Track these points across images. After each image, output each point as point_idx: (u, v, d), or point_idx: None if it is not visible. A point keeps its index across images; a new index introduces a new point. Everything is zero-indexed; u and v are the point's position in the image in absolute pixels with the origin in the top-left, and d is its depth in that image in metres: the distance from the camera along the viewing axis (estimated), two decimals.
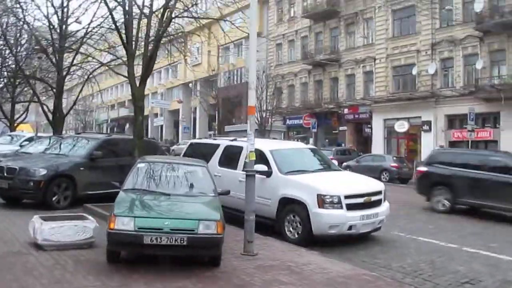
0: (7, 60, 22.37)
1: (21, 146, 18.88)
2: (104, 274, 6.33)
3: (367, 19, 40.59)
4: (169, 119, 65.69)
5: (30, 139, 19.10)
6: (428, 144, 35.22)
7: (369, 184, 10.07)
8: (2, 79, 24.14)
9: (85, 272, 6.35)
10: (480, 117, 30.18)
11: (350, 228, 9.12)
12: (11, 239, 8.18)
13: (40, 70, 20.97)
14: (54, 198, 11.17)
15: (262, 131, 40.70)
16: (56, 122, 18.49)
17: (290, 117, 46.48)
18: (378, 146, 38.52)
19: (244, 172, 10.22)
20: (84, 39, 17.04)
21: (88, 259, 7.03)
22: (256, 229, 8.02)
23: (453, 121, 34.65)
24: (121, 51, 15.41)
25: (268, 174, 10.00)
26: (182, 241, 6.28)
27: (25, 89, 25.67)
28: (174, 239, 6.26)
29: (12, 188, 10.99)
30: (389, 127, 38.66)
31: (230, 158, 11.13)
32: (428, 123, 35.29)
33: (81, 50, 17.95)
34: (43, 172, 11.00)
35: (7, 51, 21.26)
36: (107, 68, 17.78)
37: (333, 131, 43.75)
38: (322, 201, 8.96)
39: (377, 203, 9.73)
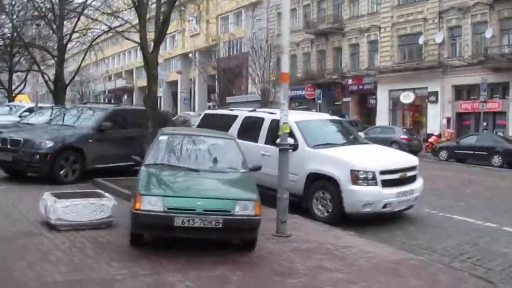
0: (3, 28, 21.28)
1: (20, 117, 18.04)
2: (129, 259, 5.65)
3: None
4: (167, 91, 64.63)
5: (30, 110, 18.23)
6: (434, 116, 34.64)
7: (404, 158, 9.39)
8: None
9: (107, 257, 5.67)
10: (488, 87, 29.42)
11: (385, 206, 8.47)
12: (19, 217, 7.49)
13: (39, 37, 19.89)
14: (61, 172, 10.46)
15: (265, 103, 39.82)
16: (58, 92, 17.60)
17: (292, 88, 45.47)
18: (383, 117, 37.80)
19: (267, 145, 9.67)
20: (86, 3, 16.02)
21: (109, 241, 6.34)
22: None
23: (461, 92, 33.93)
24: (127, 16, 14.52)
25: (294, 147, 9.27)
26: (217, 224, 5.58)
27: (23, 58, 24.60)
28: (208, 221, 5.57)
29: (16, 161, 10.26)
30: (394, 98, 37.91)
31: (250, 130, 10.38)
32: (435, 94, 34.57)
33: (82, 16, 16.92)
34: (50, 144, 10.25)
35: (3, 17, 20.14)
36: (109, 35, 16.86)
37: (336, 103, 42.95)
38: (355, 177, 8.28)
39: (412, 179, 9.08)
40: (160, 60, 48.21)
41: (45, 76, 18.58)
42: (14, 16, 19.22)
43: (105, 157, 11.15)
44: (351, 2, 41.23)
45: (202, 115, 12.10)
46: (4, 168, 11.01)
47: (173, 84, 62.97)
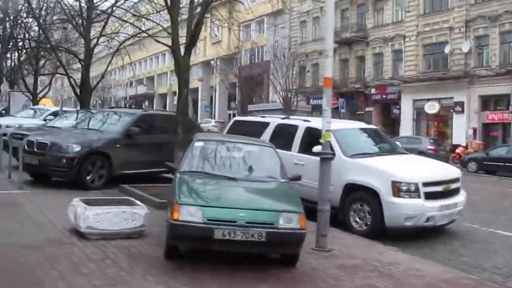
0: (30, 31, 21.24)
1: (45, 120, 17.92)
2: (165, 273, 5.29)
3: None
4: (188, 98, 64.43)
5: (54, 113, 18.09)
6: (460, 126, 33.89)
7: (447, 170, 8.92)
8: (25, 51, 22.95)
9: (142, 270, 5.32)
10: None
11: (427, 220, 8.01)
12: (47, 224, 7.19)
13: (66, 41, 19.81)
14: (88, 177, 10.17)
15: (287, 111, 39.48)
16: (83, 96, 17.44)
17: (314, 96, 45.01)
18: (406, 127, 37.12)
19: (301, 154, 9.29)
20: (114, 8, 15.83)
21: (142, 253, 5.99)
22: (314, 219, 6.88)
23: (488, 102, 33.21)
24: (155, 19, 14.28)
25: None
26: (260, 237, 5.20)
27: (48, 62, 24.60)
28: (250, 234, 5.18)
29: (43, 164, 10.03)
30: (418, 108, 37.24)
31: (283, 138, 10.00)
32: (461, 104, 33.87)
33: (110, 20, 16.77)
34: (77, 148, 10.00)
35: (30, 20, 20.09)
36: (135, 39, 16.68)
37: (357, 112, 42.36)
38: (397, 188, 7.84)
39: (456, 191, 8.60)
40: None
41: (71, 79, 18.33)
42: (41, 20, 19.11)
43: (132, 163, 10.87)
44: (376, 10, 40.78)
45: (232, 122, 11.75)
46: (30, 172, 10.77)
47: (194, 91, 62.89)
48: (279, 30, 53.81)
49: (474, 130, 32.75)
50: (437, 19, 35.84)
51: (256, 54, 55.63)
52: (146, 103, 68.36)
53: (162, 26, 11.39)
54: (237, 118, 11.93)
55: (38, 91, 24.72)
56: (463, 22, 34.04)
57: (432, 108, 36.06)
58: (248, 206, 5.40)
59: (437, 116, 36.50)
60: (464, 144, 30.22)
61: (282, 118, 10.62)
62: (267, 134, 10.41)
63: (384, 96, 39.78)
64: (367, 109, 40.74)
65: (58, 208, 7.96)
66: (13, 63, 27.77)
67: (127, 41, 17.29)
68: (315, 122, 10.14)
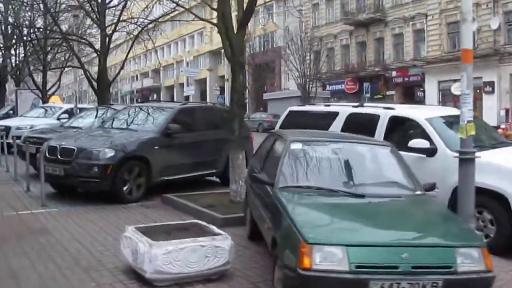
0: (36, 21, 19.20)
1: (58, 119, 16.13)
2: None
3: None
4: (195, 89, 62.71)
5: (69, 112, 16.29)
6: (490, 107, 32.03)
7: None
8: (31, 44, 20.81)
9: None
10: None
11: None
12: (92, 263, 5.36)
13: (77, 30, 17.79)
14: (125, 188, 8.38)
15: (306, 98, 37.63)
16: (102, 90, 15.59)
17: (330, 82, 43.14)
18: None
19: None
20: None
21: None
22: None
23: None
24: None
25: (431, 152, 7.09)
26: None
27: (57, 55, 22.56)
28: (421, 286, 3.37)
29: (69, 175, 8.25)
30: (444, 89, 35.35)
31: (358, 131, 8.13)
32: (491, 84, 32.03)
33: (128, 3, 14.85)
34: (111, 153, 8.20)
35: (35, 7, 17.94)
36: (156, 24, 14.82)
37: (375, 96, 40.44)
38: None
39: None
40: (188, 58, 45.68)
41: (87, 72, 16.36)
42: (50, 6, 17.06)
43: (173, 167, 9.11)
44: None
45: (286, 113, 9.91)
46: (53, 183, 8.99)
47: (202, 82, 61.05)
48: (289, 15, 51.73)
49: (507, 111, 30.95)
50: None
51: (266, 40, 53.53)
52: (155, 96, 66.49)
53: (206, 2, 9.47)
54: (293, 108, 10.07)
55: (47, 88, 22.77)
56: None
57: (459, 89, 33.77)
58: (408, 241, 3.59)
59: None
60: (503, 126, 28.33)
61: (355, 106, 8.76)
62: (336, 127, 8.60)
63: (406, 79, 37.90)
64: (388, 92, 38.78)
65: (100, 235, 6.26)
66: (17, 59, 25.74)
67: (151, 24, 15.29)
68: (401, 110, 8.33)
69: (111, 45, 17.03)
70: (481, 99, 33.17)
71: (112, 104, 14.89)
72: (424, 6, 36.25)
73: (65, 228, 6.67)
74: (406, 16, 37.44)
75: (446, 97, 35.63)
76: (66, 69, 25.78)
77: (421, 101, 36.65)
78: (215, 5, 8.61)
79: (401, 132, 7.88)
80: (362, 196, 4.31)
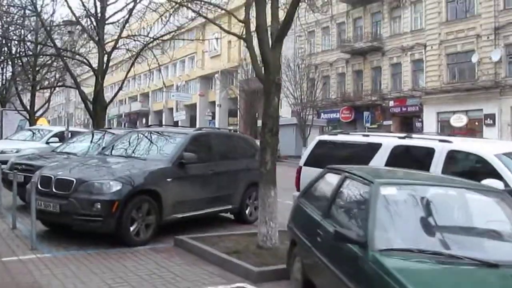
0: (27, 37, 17.73)
1: (47, 143, 14.73)
2: None
3: (414, 2, 36.53)
4: (185, 114, 61.56)
5: (59, 135, 14.89)
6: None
7: None
8: (20, 61, 19.23)
9: None
10: None
11: None
12: None
13: (71, 47, 16.38)
14: (132, 228, 7.03)
15: (303, 126, 36.63)
16: (98, 112, 14.23)
17: (325, 110, 42.22)
18: None
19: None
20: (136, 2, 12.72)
21: None
22: None
23: None
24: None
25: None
26: None
27: (48, 74, 21.04)
28: None
29: (66, 212, 6.88)
30: (443, 121, 34.60)
31: (407, 166, 6.95)
32: (492, 116, 31.39)
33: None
34: (116, 186, 6.89)
35: (26, 23, 16.52)
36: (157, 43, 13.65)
37: (370, 126, 39.59)
38: None
39: None
40: (178, 83, 44.24)
41: (83, 93, 14.94)
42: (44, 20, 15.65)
43: (187, 203, 7.83)
44: (392, 19, 38.32)
45: (314, 143, 8.70)
46: (45, 221, 7.59)
47: (192, 107, 59.86)
48: (284, 41, 51.09)
49: None
50: (461, 26, 33.42)
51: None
52: (144, 120, 64.99)
53: (226, 10, 8.28)
54: (322, 137, 8.87)
55: (35, 109, 21.17)
56: (492, 29, 31.75)
57: (459, 121, 33.52)
58: None
59: (464, 130, 33.84)
60: None
61: (401, 138, 7.58)
62: (378, 161, 7.43)
63: (404, 109, 37.20)
64: (384, 122, 37.89)
65: None
66: (4, 78, 24.14)
67: (156, 40, 14.03)
68: (460, 143, 7.16)
69: (112, 62, 15.67)
70: (482, 132, 32.44)
71: (109, 128, 13.55)
72: (423, 37, 35.83)
73: (63, 283, 5.27)
74: (404, 46, 36.97)
75: (446, 129, 34.87)
76: (54, 90, 24.20)
77: (420, 132, 35.89)
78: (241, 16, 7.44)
79: (462, 169, 6.70)
80: (495, 266, 3.05)
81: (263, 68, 6.70)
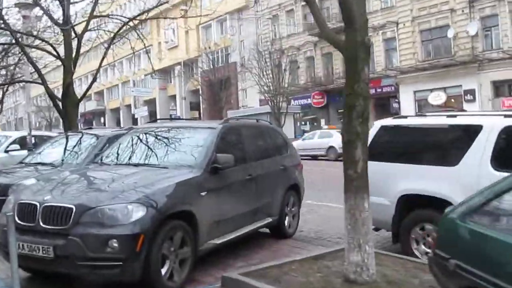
0: None
1: (6, 152, 12.14)
2: None
3: None
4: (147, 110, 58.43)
5: (20, 141, 12.30)
6: None
7: None
8: None
9: None
10: None
11: None
12: None
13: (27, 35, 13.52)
14: (163, 270, 4.78)
15: (277, 115, 34.68)
16: (68, 111, 11.69)
17: (295, 97, 40.39)
18: None
19: None
20: None
21: None
22: None
23: (501, 88, 29.96)
24: None
25: None
26: None
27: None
28: None
29: (65, 257, 4.53)
30: (420, 99, 33.62)
31: None
32: (471, 92, 30.51)
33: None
34: (139, 212, 4.62)
35: None
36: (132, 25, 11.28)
37: (340, 110, 38.15)
38: None
39: None
40: (139, 77, 41.09)
41: (48, 88, 12.20)
42: None
43: (226, 222, 5.70)
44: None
45: (376, 129, 6.68)
46: (29, 269, 5.21)
47: (151, 102, 56.83)
48: (243, 29, 48.99)
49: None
50: (434, 1, 32.37)
51: (220, 56, 50.37)
52: (102, 119, 61.39)
53: None
54: (385, 122, 6.84)
55: None
56: (466, 2, 30.73)
57: (437, 98, 32.53)
58: None
59: (444, 107, 32.83)
60: None
61: (507, 116, 5.65)
62: (478, 151, 5.49)
63: (379, 90, 35.88)
64: None
65: None
66: None
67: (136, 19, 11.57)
68: None
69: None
70: (462, 108, 31.47)
71: (90, 128, 11.02)
72: (395, 14, 34.56)
73: None
74: (375, 25, 35.50)
75: (424, 107, 33.77)
76: (8, 89, 20.99)
77: (397, 113, 34.66)
78: None
79: None
80: None
81: (344, 25, 4.61)
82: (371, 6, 35.77)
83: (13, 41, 12.23)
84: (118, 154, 6.15)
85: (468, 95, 30.68)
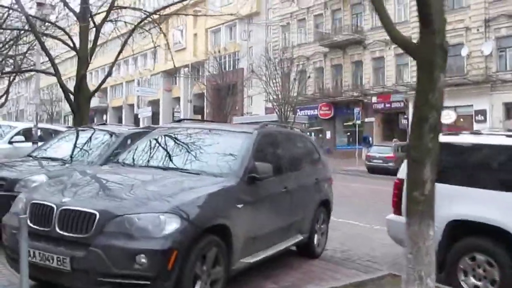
0: None
1: (10, 143, 11.50)
2: None
3: None
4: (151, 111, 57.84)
5: (25, 133, 11.66)
6: None
7: None
8: None
9: None
10: None
11: None
12: None
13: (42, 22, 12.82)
14: None
15: (284, 124, 34.03)
16: (82, 104, 11.06)
17: (301, 107, 39.81)
18: None
19: None
20: None
21: None
22: None
23: None
24: None
25: None
26: None
27: (7, 58, 17.16)
28: None
29: (84, 271, 3.91)
30: None
31: None
32: (483, 112, 30.03)
33: None
34: (173, 223, 4.01)
35: None
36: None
37: (347, 123, 37.64)
38: None
39: None
40: (145, 77, 40.60)
41: (60, 80, 11.53)
42: None
43: (260, 239, 5.10)
44: (374, 10, 36.24)
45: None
46: (39, 279, 4.54)
47: (154, 103, 56.18)
48: (252, 35, 48.55)
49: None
50: (449, 19, 31.42)
51: (226, 62, 49.82)
52: (104, 117, 60.71)
53: None
54: (449, 139, 6.18)
55: None
56: (482, 22, 30.33)
57: (447, 117, 31.82)
58: None
59: (453, 127, 32.28)
60: None
61: None
62: None
63: (387, 105, 35.43)
64: (366, 119, 35.73)
65: None
66: None
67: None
68: None
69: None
70: (472, 129, 30.95)
71: (103, 124, 10.31)
72: (408, 29, 33.93)
73: None
74: (388, 39, 34.64)
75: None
76: (15, 78, 20.23)
77: (405, 129, 34.14)
78: None
79: None
80: None
81: (420, 26, 4.02)
82: None
83: (26, 27, 11.58)
84: (142, 154, 5.51)
85: (479, 115, 30.21)
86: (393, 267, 6.88)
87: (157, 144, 5.61)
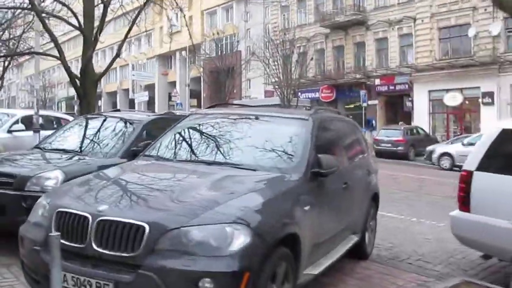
0: None
1: (10, 132, 10.62)
2: None
3: None
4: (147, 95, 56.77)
5: (24, 120, 10.76)
6: (489, 119, 29.02)
7: None
8: None
9: None
10: None
11: None
12: None
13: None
14: None
15: (287, 107, 33.15)
16: (88, 89, 10.14)
17: (302, 90, 38.88)
18: (421, 122, 31.95)
19: None
20: None
21: None
22: None
23: None
24: None
25: None
26: None
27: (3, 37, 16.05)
28: None
29: None
30: (435, 100, 32.38)
31: None
32: (490, 94, 29.29)
33: None
34: (241, 237, 3.13)
35: None
36: None
37: (347, 106, 36.87)
38: None
39: None
40: (141, 61, 39.38)
41: (65, 62, 10.56)
42: None
43: (323, 245, 4.29)
44: None
45: (495, 134, 5.29)
46: None
47: (150, 88, 55.07)
48: (250, 17, 47.40)
49: None
50: None
51: (223, 45, 48.66)
52: (99, 102, 59.44)
53: None
54: (509, 125, 5.44)
55: None
56: (490, 1, 29.19)
57: (453, 99, 31.28)
58: None
59: (459, 109, 31.67)
60: None
61: None
62: None
63: (391, 87, 34.67)
64: (369, 102, 34.80)
65: None
66: None
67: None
68: None
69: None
70: (479, 111, 30.30)
71: (115, 110, 9.33)
72: (413, 9, 33.18)
73: None
74: (391, 19, 34.17)
75: (438, 108, 32.60)
76: (11, 62, 19.12)
77: (410, 112, 33.41)
78: None
79: None
80: None
81: None
82: (389, 0, 34.40)
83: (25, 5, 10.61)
84: (180, 146, 4.65)
85: (487, 97, 29.53)
86: (448, 267, 6.19)
87: (197, 134, 4.75)
